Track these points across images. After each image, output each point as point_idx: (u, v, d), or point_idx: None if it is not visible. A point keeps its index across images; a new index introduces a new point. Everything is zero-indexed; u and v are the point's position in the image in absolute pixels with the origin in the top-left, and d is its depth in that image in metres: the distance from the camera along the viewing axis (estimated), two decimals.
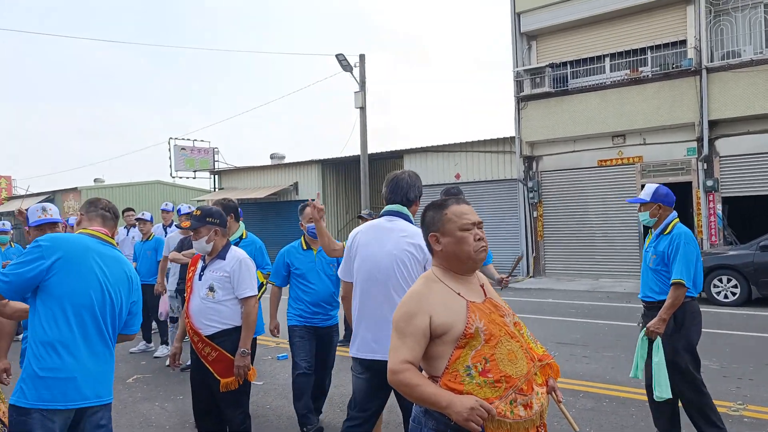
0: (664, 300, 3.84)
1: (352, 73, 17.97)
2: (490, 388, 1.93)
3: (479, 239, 2.12)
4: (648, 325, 3.88)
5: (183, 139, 26.11)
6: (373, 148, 18.96)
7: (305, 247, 4.63)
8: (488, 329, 1.99)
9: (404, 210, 3.21)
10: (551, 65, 15.21)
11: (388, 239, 3.11)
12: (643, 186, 13.85)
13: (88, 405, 2.58)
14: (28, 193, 30.92)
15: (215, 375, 3.59)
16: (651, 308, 4.02)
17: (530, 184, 15.55)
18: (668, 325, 3.85)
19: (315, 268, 4.55)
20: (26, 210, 3.65)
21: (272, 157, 24.58)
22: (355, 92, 18.08)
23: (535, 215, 15.61)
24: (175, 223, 8.06)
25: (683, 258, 3.78)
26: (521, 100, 15.66)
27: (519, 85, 15.71)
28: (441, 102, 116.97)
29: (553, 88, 15.12)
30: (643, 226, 13.96)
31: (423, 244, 2.61)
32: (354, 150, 19.44)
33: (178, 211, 7.51)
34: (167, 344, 7.40)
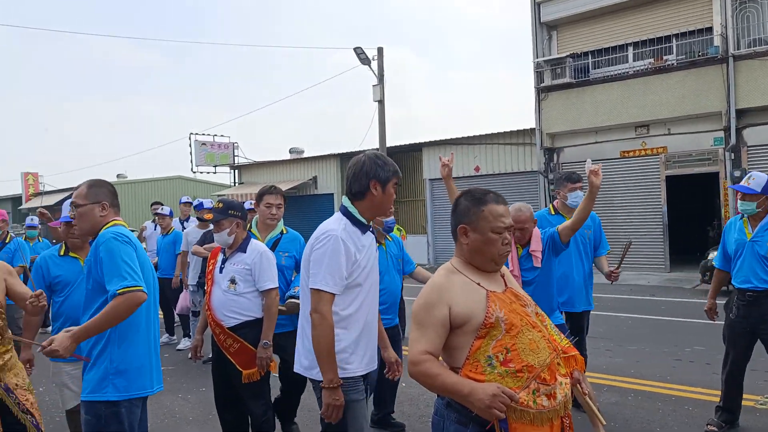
0: None
1: (370, 66, 17.91)
2: (512, 377, 1.90)
3: (506, 243, 2.10)
4: None
5: (203, 134, 26.34)
6: (391, 142, 18.90)
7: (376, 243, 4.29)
8: (509, 319, 1.96)
9: (346, 204, 2.67)
10: (572, 55, 15.00)
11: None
12: (666, 178, 13.79)
13: (157, 391, 2.78)
14: (49, 189, 31.44)
15: (237, 366, 3.61)
16: (760, 297, 3.93)
17: (551, 177, 15.39)
18: None
19: (387, 265, 4.19)
20: (59, 206, 3.69)
21: (291, 151, 24.66)
22: (374, 85, 18.03)
23: None
24: (195, 216, 8.12)
25: None
26: (541, 91, 15.47)
27: (539, 76, 15.53)
28: (459, 94, 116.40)
29: (574, 78, 14.91)
30: (667, 218, 13.79)
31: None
32: (373, 143, 19.43)
33: (200, 205, 7.55)
34: (189, 337, 7.47)
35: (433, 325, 1.97)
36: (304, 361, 2.65)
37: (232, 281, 3.65)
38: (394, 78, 74.26)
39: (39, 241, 8.32)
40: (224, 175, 27.42)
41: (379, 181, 2.62)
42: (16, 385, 3.18)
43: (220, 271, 3.72)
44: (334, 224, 2.60)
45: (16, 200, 36.98)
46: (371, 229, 2.74)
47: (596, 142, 14.79)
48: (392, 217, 4.21)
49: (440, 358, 2.02)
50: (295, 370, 2.72)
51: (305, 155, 23.43)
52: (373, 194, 2.61)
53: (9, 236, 6.57)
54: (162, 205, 8.26)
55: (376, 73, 17.99)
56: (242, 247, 3.73)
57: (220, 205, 3.76)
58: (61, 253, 3.79)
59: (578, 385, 2.12)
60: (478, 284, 2.04)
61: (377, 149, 18.36)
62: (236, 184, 25.44)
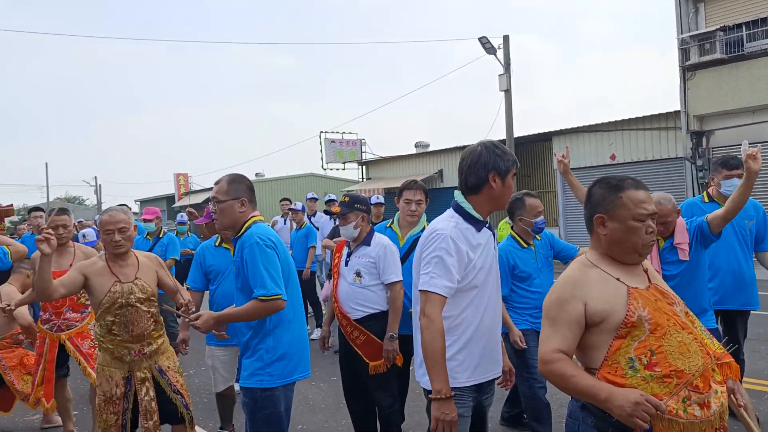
0: None
1: (495, 55, 17.49)
2: (658, 383, 1.72)
3: (650, 232, 1.90)
4: None
5: (332, 132, 27.31)
6: (519, 132, 18.34)
7: (524, 245, 3.95)
8: (653, 318, 1.78)
9: (458, 199, 2.49)
10: (723, 28, 13.57)
11: None
12: None
13: (306, 377, 2.97)
14: (197, 189, 34.27)
15: (364, 358, 3.66)
16: None
17: (699, 163, 14.07)
18: None
19: (538, 266, 3.94)
20: (206, 203, 4.01)
21: (417, 145, 24.82)
22: (500, 75, 17.59)
23: None
24: (323, 210, 8.47)
25: None
26: (687, 70, 14.18)
27: (684, 53, 14.24)
28: (591, 80, 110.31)
29: (726, 53, 13.48)
30: None
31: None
32: (499, 134, 18.97)
33: (330, 201, 7.86)
34: (321, 327, 7.76)
35: (566, 322, 1.84)
36: (419, 369, 2.47)
37: (358, 274, 3.70)
38: (521, 67, 72.13)
39: (188, 235, 9.09)
40: (353, 172, 28.27)
41: (499, 173, 2.39)
42: (168, 367, 3.46)
43: (346, 264, 3.79)
44: (444, 222, 2.41)
45: (169, 199, 40.84)
46: (487, 225, 2.50)
47: (753, 123, 13.28)
48: (542, 217, 3.89)
49: (573, 357, 1.88)
50: (416, 379, 2.57)
51: (431, 149, 23.48)
52: (492, 187, 2.39)
53: (162, 231, 7.22)
54: (290, 201, 8.71)
55: (502, 63, 17.53)
56: (366, 241, 3.77)
57: (347, 199, 3.84)
58: (216, 244, 4.10)
59: (732, 396, 1.88)
60: (618, 279, 1.87)
61: (503, 140, 17.91)
62: (364, 180, 26.11)
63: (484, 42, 17.24)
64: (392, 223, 4.15)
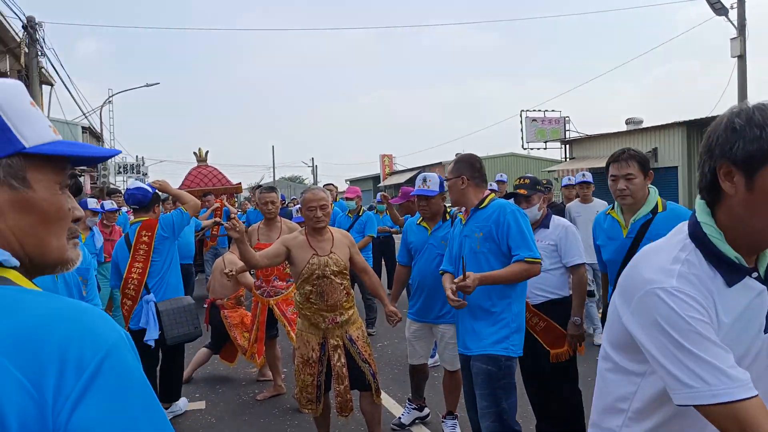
0: None
1: (727, 16, 15.28)
2: None
3: None
4: None
5: (534, 110, 26.43)
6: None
7: None
8: None
9: (701, 217, 1.27)
10: None
11: None
12: None
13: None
14: (401, 169, 35.70)
15: (544, 345, 3.52)
16: None
17: None
18: None
19: None
20: (408, 184, 4.23)
21: (627, 122, 22.90)
22: (731, 39, 15.35)
23: None
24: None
25: None
26: None
27: None
28: None
29: None
30: None
31: None
32: (727, 107, 16.59)
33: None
34: None
35: None
36: None
37: None
38: (758, 29, 62.16)
39: (387, 214, 9.52)
40: (555, 151, 27.08)
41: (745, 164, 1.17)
42: (358, 337, 3.69)
43: None
44: (665, 262, 1.21)
45: (375, 179, 43.29)
46: (753, 273, 1.23)
47: None
48: None
49: None
50: None
51: (644, 125, 21.49)
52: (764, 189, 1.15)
53: (362, 210, 7.66)
54: (489, 182, 8.59)
55: (735, 24, 15.26)
56: (545, 223, 3.66)
57: (527, 181, 3.74)
58: (418, 222, 4.23)
59: None
60: None
61: None
62: (567, 159, 24.87)
63: (714, 2, 15.15)
64: (613, 209, 3.17)
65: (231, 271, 4.83)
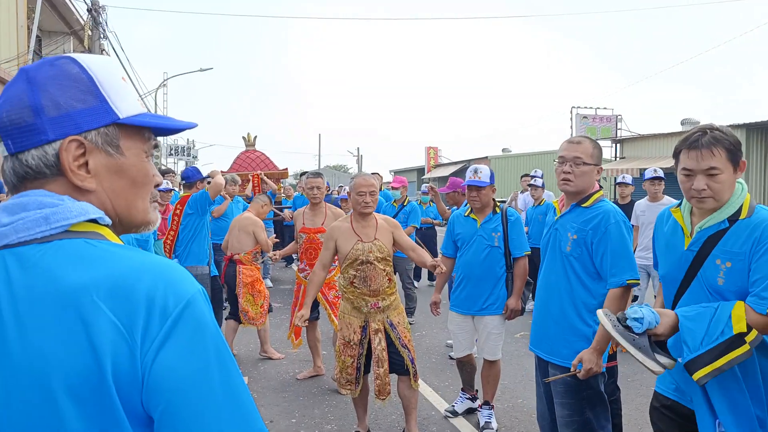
0: None
1: None
2: None
3: None
4: None
5: (585, 107, 25.85)
6: None
7: None
8: None
9: None
10: None
11: None
12: None
13: None
14: (445, 162, 35.49)
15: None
16: None
17: None
18: None
19: None
20: (453, 175, 4.27)
21: (683, 122, 22.22)
22: None
23: None
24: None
25: None
26: None
27: None
28: None
29: None
30: None
31: None
32: None
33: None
34: None
35: None
36: None
37: None
38: None
39: (430, 205, 9.55)
40: (605, 150, 26.46)
41: None
42: (398, 322, 3.76)
43: None
44: None
45: (420, 171, 43.22)
46: None
47: None
48: None
49: None
50: None
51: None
52: None
53: (407, 200, 7.72)
54: (528, 176, 8.51)
55: None
56: None
57: None
58: (466, 214, 4.27)
59: None
60: None
61: None
62: (617, 158, 24.31)
63: None
64: (678, 207, 2.26)
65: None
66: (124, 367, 0.76)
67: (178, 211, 5.28)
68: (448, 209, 6.54)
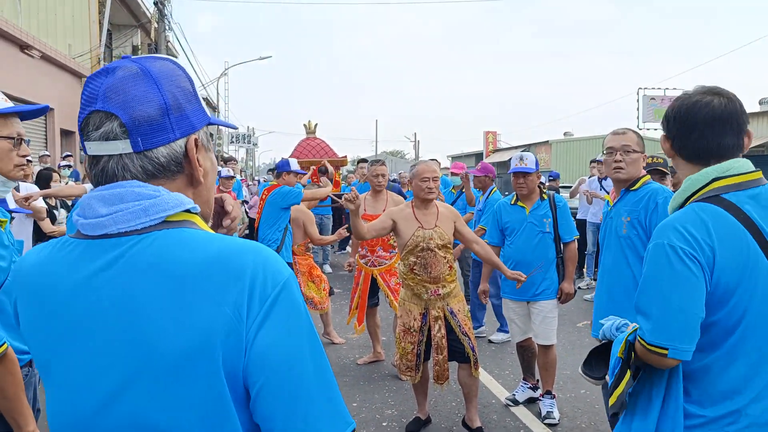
0: None
1: None
2: None
3: None
4: None
5: (653, 88, 24.82)
6: None
7: None
8: None
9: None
10: None
11: None
12: None
13: None
14: (504, 147, 34.91)
15: None
16: None
17: None
18: None
19: None
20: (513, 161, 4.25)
21: (761, 102, 20.98)
22: None
23: None
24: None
25: None
26: None
27: None
28: None
29: None
30: None
31: None
32: None
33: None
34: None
35: None
36: None
37: None
38: None
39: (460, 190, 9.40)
40: None
41: None
42: (458, 310, 3.74)
43: None
44: None
45: (478, 156, 42.66)
46: None
47: None
48: None
49: None
50: None
51: None
52: None
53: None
54: (596, 163, 8.26)
55: None
56: None
57: (662, 159, 3.62)
58: (512, 202, 4.22)
59: None
60: None
61: None
62: None
63: None
64: None
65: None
66: (231, 341, 0.81)
67: (263, 198, 5.59)
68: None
